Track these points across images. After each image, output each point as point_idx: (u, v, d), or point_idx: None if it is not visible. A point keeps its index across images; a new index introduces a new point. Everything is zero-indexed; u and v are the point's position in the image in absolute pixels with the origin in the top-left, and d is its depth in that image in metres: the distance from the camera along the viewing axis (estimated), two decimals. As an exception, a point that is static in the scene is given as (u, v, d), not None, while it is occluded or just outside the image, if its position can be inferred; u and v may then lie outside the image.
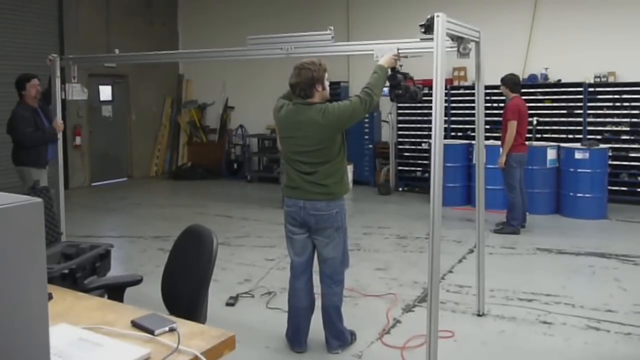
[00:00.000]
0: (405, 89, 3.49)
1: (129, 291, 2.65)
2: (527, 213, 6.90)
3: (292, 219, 3.49)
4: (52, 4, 9.93)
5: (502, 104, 8.75)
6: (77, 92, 9.86)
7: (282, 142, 3.54)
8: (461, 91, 9.04)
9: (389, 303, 4.42)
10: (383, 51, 3.46)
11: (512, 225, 6.59)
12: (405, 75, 3.51)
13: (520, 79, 8.71)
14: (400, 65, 3.51)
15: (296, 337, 3.63)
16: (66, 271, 3.35)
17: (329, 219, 3.41)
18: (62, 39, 10.00)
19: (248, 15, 11.10)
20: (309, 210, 3.40)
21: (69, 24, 10.10)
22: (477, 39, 3.67)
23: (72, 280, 3.34)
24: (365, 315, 4.22)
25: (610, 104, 8.21)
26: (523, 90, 8.57)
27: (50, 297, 2.07)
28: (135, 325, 1.88)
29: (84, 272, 3.54)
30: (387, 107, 9.91)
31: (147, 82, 11.52)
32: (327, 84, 3.42)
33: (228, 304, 4.43)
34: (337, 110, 3.30)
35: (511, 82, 6.61)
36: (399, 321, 4.10)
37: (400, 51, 3.45)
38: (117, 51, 5.28)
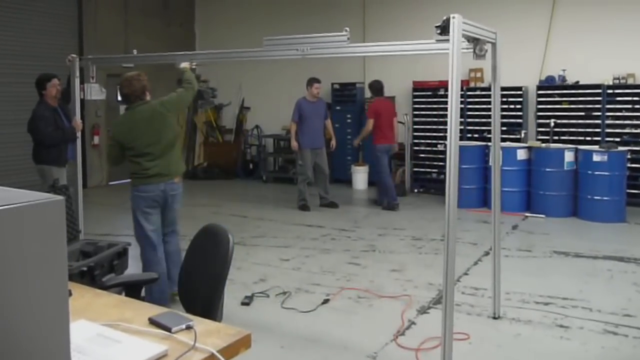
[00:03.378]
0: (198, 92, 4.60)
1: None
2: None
3: (152, 202, 4.14)
4: (71, 5, 10.06)
5: (519, 106, 8.74)
6: (95, 92, 9.89)
7: (134, 142, 4.11)
8: (477, 92, 8.99)
9: (404, 304, 4.42)
10: (184, 60, 4.60)
11: (381, 202, 8.11)
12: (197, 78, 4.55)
13: (538, 79, 8.73)
14: (193, 68, 4.60)
15: (164, 297, 4.04)
16: (85, 268, 3.40)
17: (180, 196, 4.29)
18: (81, 39, 10.12)
19: (264, 16, 11.16)
20: (168, 192, 4.16)
21: (88, 25, 10.22)
22: (493, 41, 3.65)
23: (90, 278, 3.39)
24: (380, 317, 4.22)
25: (630, 106, 8.09)
26: (540, 92, 8.61)
27: (69, 293, 2.10)
28: (153, 322, 1.90)
29: (102, 269, 3.59)
30: (403, 109, 9.90)
31: (164, 83, 11.59)
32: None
33: (243, 303, 4.46)
34: (169, 100, 4.24)
35: (374, 88, 8.24)
36: (413, 323, 4.09)
37: (193, 62, 4.65)
38: (135, 52, 5.34)
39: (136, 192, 4.16)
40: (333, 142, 8.37)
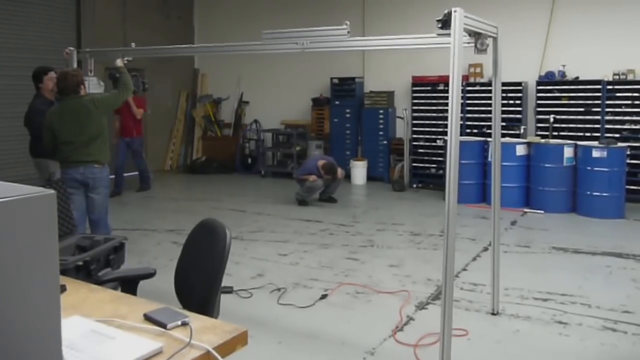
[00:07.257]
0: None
1: (142, 284, 2.66)
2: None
3: (73, 182, 4.62)
4: (69, -3, 10.00)
5: (518, 101, 8.70)
6: (93, 86, 9.83)
7: (60, 130, 4.59)
8: (477, 88, 8.96)
9: (402, 300, 4.40)
10: (116, 56, 5.11)
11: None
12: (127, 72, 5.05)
13: (538, 75, 8.70)
14: (125, 64, 5.05)
15: None
16: (80, 263, 3.37)
17: (102, 181, 4.76)
18: (79, 32, 10.05)
19: (263, 9, 11.10)
20: (87, 175, 4.66)
21: (86, 18, 10.16)
22: (494, 35, 3.62)
23: (86, 273, 3.36)
24: (378, 312, 4.21)
25: (629, 102, 8.07)
26: (540, 88, 8.58)
27: (63, 289, 2.07)
28: (148, 318, 1.87)
29: (98, 264, 3.55)
30: (402, 104, 9.87)
31: (162, 76, 11.55)
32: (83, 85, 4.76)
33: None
34: (102, 99, 4.79)
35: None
36: (412, 318, 4.08)
37: (125, 58, 5.07)
38: (133, 45, 5.30)
39: (62, 175, 4.74)
40: (340, 172, 8.15)
